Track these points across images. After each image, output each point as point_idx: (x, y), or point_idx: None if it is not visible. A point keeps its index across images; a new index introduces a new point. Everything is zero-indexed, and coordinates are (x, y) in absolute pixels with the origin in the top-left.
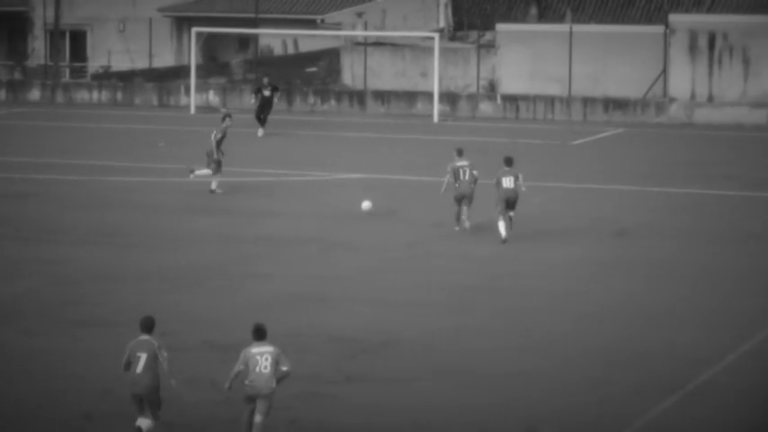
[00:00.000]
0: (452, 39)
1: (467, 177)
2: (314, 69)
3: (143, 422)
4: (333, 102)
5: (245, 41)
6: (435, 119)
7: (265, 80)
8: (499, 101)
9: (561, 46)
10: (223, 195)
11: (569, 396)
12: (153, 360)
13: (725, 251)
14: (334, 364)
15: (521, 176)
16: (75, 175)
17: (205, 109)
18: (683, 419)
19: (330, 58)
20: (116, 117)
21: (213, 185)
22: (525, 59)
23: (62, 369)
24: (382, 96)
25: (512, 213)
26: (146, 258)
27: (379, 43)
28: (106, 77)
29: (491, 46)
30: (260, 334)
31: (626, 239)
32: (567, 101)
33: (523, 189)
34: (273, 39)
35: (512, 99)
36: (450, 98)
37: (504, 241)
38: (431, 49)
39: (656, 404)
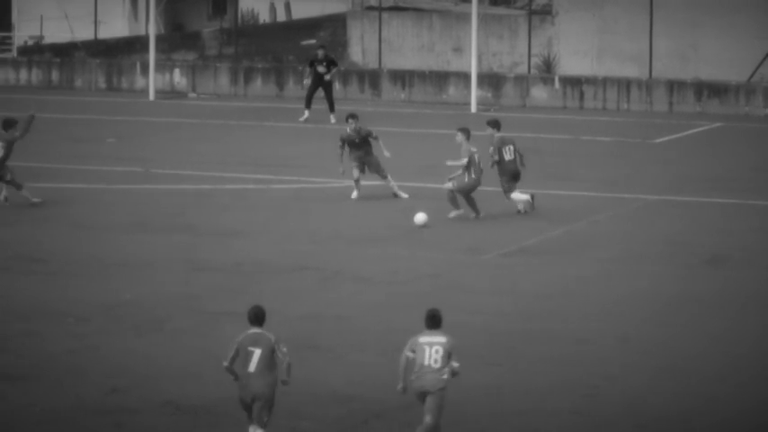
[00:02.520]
0: (496, 2)
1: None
2: (312, 42)
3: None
4: (336, 84)
5: (220, 5)
6: (473, 108)
7: (320, 52)
8: (557, 85)
9: (639, 13)
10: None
11: None
12: (269, 356)
13: None
14: None
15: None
16: None
17: (168, 94)
18: None
19: (333, 28)
20: (50, 104)
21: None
22: (591, 30)
23: None
24: (402, 78)
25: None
26: (86, 291)
27: (398, 7)
28: (38, 52)
29: (547, 12)
30: (434, 321)
31: (721, 269)
32: (647, 86)
33: (523, 165)
34: (259, 1)
35: (574, 82)
36: (492, 81)
37: (520, 212)
38: (467, 16)
39: None
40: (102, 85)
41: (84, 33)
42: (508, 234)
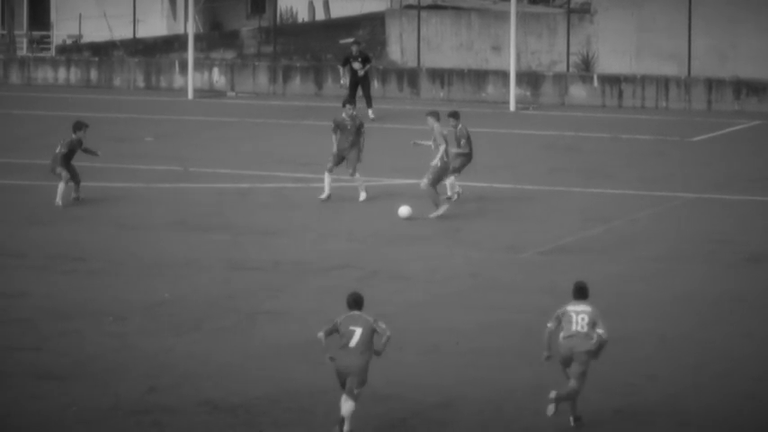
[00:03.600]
0: (534, 0)
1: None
2: (350, 41)
3: (346, 405)
4: (375, 83)
5: (259, 3)
6: (512, 106)
7: (354, 48)
8: (596, 83)
9: (677, 11)
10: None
11: None
12: (368, 336)
13: None
14: None
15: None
16: (32, 180)
17: (207, 93)
18: None
19: (372, 26)
20: (89, 103)
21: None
22: (630, 29)
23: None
24: (441, 76)
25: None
26: (126, 290)
27: (436, 6)
28: (76, 51)
29: (585, 10)
30: (582, 293)
31: (762, 268)
32: (686, 84)
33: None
34: (297, 0)
35: (612, 81)
36: (531, 79)
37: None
38: (506, 14)
39: None
40: (141, 84)
41: (122, 32)
42: (546, 232)
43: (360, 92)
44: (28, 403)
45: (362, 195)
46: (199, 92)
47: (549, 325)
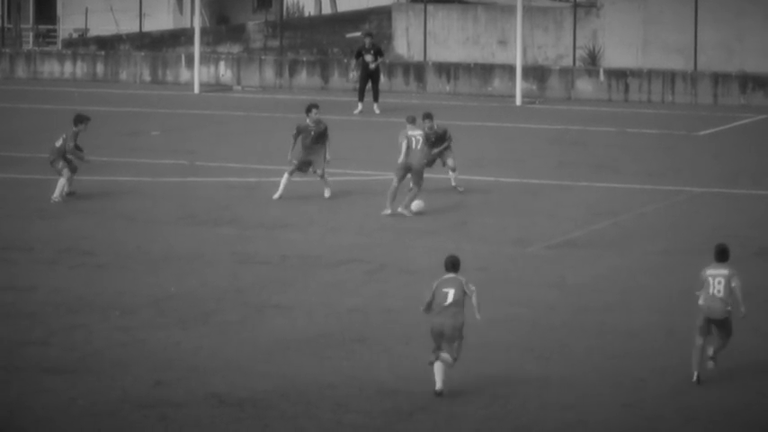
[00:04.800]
0: None
1: (418, 148)
2: (357, 35)
3: (444, 356)
4: (382, 77)
5: None
6: (518, 100)
7: (368, 41)
8: (602, 77)
9: (684, 5)
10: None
11: None
12: (461, 296)
13: None
14: (384, 426)
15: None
16: (39, 174)
17: (213, 87)
18: None
19: (378, 20)
20: (95, 96)
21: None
22: (636, 22)
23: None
24: (447, 70)
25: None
26: (133, 284)
27: (443, 0)
28: (83, 45)
29: (592, 4)
30: (723, 255)
31: None
32: (692, 78)
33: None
34: None
35: (619, 75)
36: (537, 73)
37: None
38: (512, 8)
39: None
40: (147, 77)
41: (128, 26)
42: (553, 226)
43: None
44: (35, 397)
45: (327, 192)
46: (205, 86)
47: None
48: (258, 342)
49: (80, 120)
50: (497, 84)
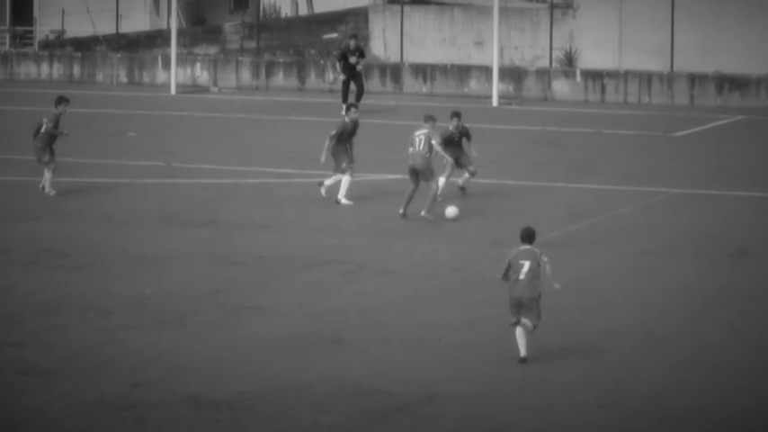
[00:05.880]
0: None
1: (420, 148)
2: (333, 36)
3: (524, 321)
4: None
5: None
6: (495, 101)
7: (352, 42)
8: (579, 78)
9: (660, 6)
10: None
11: None
12: (535, 268)
13: None
14: (361, 427)
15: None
16: (15, 175)
17: (190, 88)
18: None
19: (355, 21)
20: (72, 98)
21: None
22: (613, 24)
23: None
24: (424, 71)
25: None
26: (111, 285)
27: (420, 1)
28: (59, 46)
29: (568, 6)
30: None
31: (746, 262)
32: (669, 79)
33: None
34: None
35: (595, 76)
36: (514, 74)
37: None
38: (488, 9)
39: None
40: (124, 79)
41: (105, 27)
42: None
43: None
44: (12, 399)
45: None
46: (182, 87)
47: None
48: (235, 343)
49: (60, 101)
50: (474, 85)
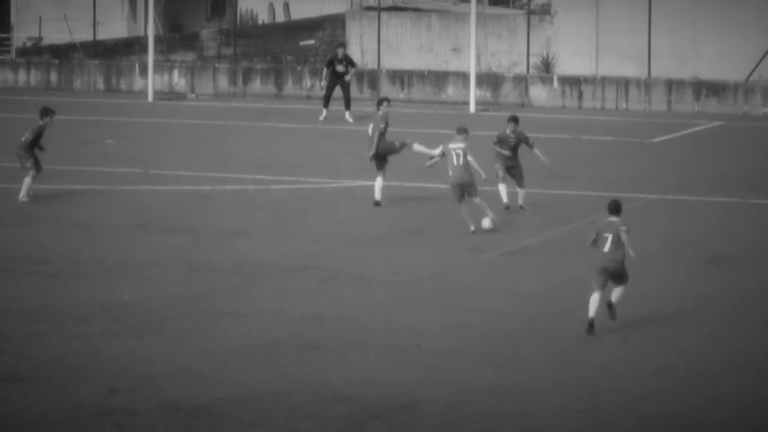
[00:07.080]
0: (495, 2)
1: (461, 163)
2: (311, 42)
3: (616, 291)
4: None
5: (219, 5)
6: (472, 108)
7: (340, 51)
8: (556, 84)
9: (637, 12)
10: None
11: None
12: (617, 239)
13: None
14: None
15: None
16: None
17: (167, 95)
18: None
19: (332, 28)
20: (49, 105)
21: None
22: (590, 29)
23: None
24: (401, 78)
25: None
26: (88, 292)
27: (397, 7)
28: (36, 53)
29: (545, 12)
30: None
31: (723, 268)
32: (646, 85)
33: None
34: (258, 1)
35: (572, 82)
36: (491, 81)
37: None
38: (466, 16)
39: None
40: (101, 86)
41: (82, 35)
42: (508, 234)
43: (338, 93)
44: None
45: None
46: (159, 94)
47: None
48: (212, 350)
49: (45, 113)
50: (451, 91)
